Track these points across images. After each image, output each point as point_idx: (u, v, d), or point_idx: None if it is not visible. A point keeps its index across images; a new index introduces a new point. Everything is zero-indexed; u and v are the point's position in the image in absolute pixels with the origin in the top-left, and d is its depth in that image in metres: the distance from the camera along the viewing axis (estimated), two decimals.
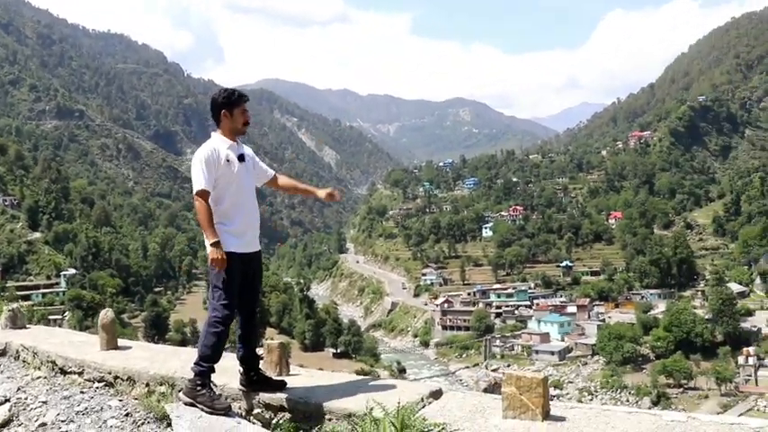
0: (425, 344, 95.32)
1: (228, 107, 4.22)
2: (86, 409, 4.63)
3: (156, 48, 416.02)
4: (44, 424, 4.62)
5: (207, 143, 4.20)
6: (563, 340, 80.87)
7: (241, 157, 4.23)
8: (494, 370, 74.78)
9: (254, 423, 3.93)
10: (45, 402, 4.88)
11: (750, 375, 64.45)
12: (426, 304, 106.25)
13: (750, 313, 79.32)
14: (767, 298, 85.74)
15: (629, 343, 70.95)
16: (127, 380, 4.72)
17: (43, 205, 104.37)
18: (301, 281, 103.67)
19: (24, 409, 4.90)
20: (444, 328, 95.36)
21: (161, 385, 4.49)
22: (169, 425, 4.03)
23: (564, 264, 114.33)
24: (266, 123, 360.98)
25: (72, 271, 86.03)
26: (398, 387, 4.12)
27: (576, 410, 3.54)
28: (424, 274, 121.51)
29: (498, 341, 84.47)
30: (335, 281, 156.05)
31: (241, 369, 4.23)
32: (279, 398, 4.02)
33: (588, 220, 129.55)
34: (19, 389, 5.18)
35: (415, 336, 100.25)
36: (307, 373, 4.63)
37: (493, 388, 56.31)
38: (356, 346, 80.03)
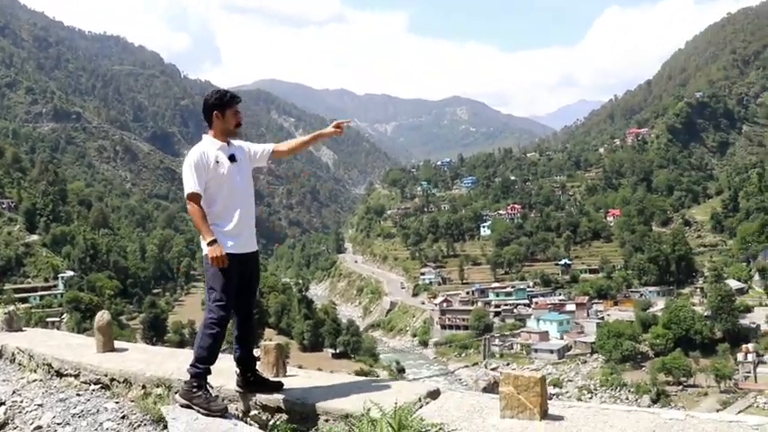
0: (424, 343, 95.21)
1: (220, 108, 4.21)
2: (82, 411, 4.61)
3: (153, 49, 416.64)
4: (40, 427, 4.61)
5: (196, 146, 4.21)
6: (562, 338, 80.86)
7: (232, 158, 4.21)
8: (493, 369, 74.68)
9: (250, 425, 3.91)
10: (41, 405, 4.86)
11: (749, 372, 64.53)
12: (425, 304, 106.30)
13: (749, 310, 79.23)
14: (766, 294, 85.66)
15: (629, 341, 70.96)
16: (123, 382, 4.70)
17: (41, 207, 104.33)
18: (300, 281, 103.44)
19: (20, 412, 4.88)
20: (443, 327, 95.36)
21: (158, 387, 4.48)
22: (165, 427, 4.01)
23: (562, 262, 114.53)
24: (263, 124, 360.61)
25: (70, 273, 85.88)
26: (396, 387, 4.12)
27: (574, 409, 3.52)
28: (422, 274, 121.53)
29: (497, 340, 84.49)
30: (334, 281, 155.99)
31: (238, 370, 4.22)
32: (276, 399, 4.01)
33: (586, 218, 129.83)
34: (14, 392, 5.17)
35: (414, 335, 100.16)
36: (304, 374, 4.62)
37: (492, 387, 56.24)
38: (355, 347, 79.94)
